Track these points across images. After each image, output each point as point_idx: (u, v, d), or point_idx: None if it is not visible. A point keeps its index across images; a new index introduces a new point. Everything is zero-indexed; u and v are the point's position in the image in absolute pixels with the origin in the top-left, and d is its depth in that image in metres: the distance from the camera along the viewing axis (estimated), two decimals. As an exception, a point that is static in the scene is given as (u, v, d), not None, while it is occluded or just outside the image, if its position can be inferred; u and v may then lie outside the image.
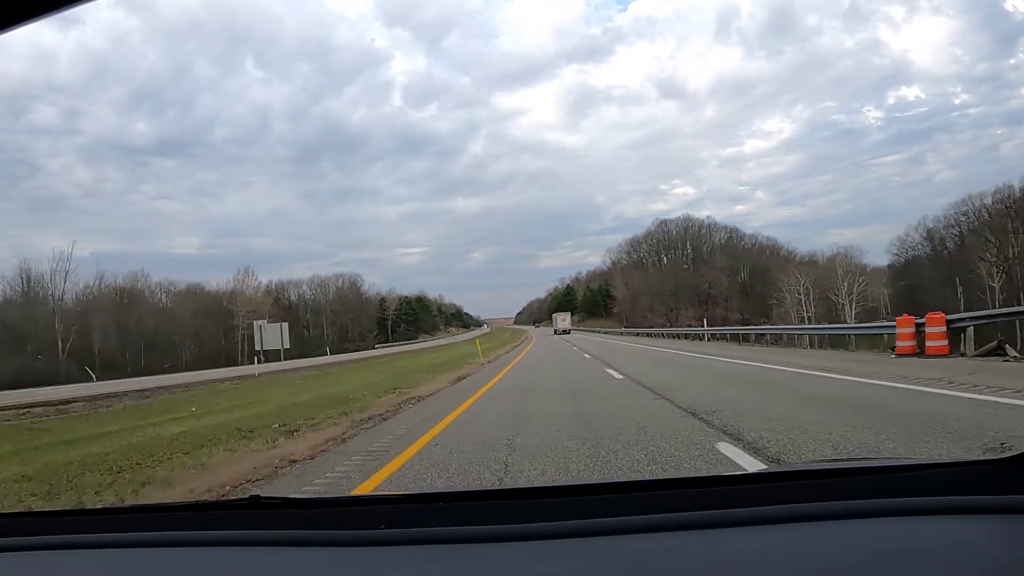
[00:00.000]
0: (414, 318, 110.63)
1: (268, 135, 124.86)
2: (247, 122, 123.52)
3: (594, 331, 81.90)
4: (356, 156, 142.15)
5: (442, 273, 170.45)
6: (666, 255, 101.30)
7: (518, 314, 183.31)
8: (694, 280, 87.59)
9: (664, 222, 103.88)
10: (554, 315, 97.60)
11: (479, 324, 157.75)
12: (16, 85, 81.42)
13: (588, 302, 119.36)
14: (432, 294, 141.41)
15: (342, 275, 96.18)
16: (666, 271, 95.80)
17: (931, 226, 59.64)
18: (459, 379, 16.10)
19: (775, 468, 3.38)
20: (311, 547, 1.08)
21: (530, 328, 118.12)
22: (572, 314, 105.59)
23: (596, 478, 4.32)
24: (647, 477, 4.14)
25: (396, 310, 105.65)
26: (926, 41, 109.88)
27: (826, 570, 0.87)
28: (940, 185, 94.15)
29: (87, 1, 0.92)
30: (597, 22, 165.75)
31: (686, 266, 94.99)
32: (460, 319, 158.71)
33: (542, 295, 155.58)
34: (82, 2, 0.92)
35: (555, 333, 78.54)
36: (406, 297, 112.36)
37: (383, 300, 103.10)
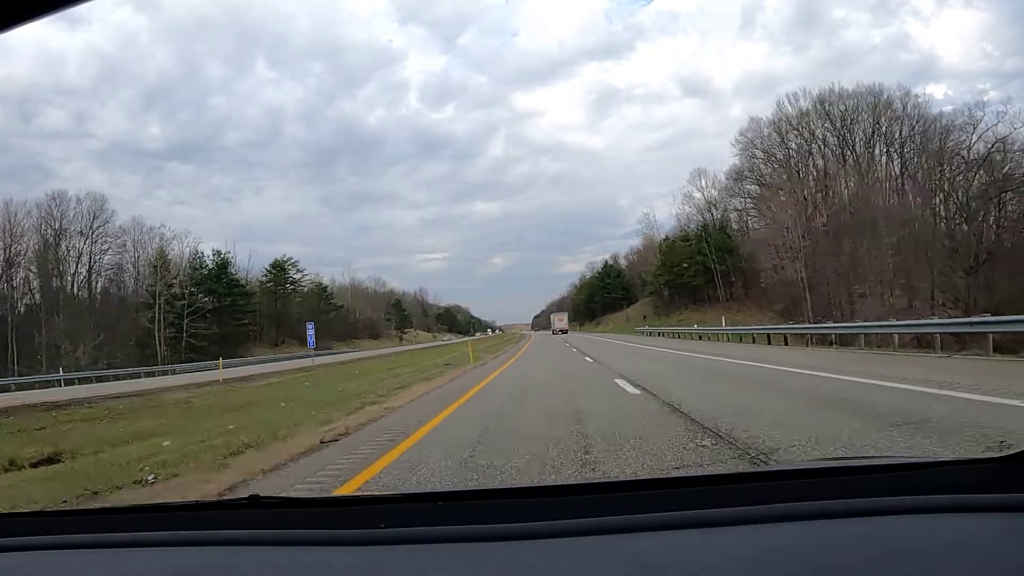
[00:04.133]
0: (234, 311, 57.44)
1: (282, 138, 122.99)
2: (261, 124, 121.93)
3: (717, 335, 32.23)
4: (373, 159, 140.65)
5: (464, 279, 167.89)
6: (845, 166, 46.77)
7: (535, 318, 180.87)
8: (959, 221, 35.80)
9: (793, 96, 52.49)
10: (551, 315, 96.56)
11: (485, 329, 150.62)
12: (25, 88, 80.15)
13: (675, 273, 63.40)
14: (457, 301, 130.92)
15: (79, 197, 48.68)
16: (864, 206, 41.45)
17: None
18: None
19: (776, 466, 3.38)
20: (311, 546, 1.08)
21: (532, 333, 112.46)
22: (640, 304, 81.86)
23: (595, 478, 4.31)
24: (646, 476, 4.13)
25: (187, 296, 53.71)
26: (955, 35, 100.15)
27: (828, 569, 0.87)
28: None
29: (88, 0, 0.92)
30: (618, 18, 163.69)
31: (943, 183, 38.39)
32: (452, 321, 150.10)
33: (565, 292, 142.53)
34: (83, 0, 0.92)
35: (553, 333, 77.70)
36: (218, 256, 58.88)
37: (159, 266, 51.70)
